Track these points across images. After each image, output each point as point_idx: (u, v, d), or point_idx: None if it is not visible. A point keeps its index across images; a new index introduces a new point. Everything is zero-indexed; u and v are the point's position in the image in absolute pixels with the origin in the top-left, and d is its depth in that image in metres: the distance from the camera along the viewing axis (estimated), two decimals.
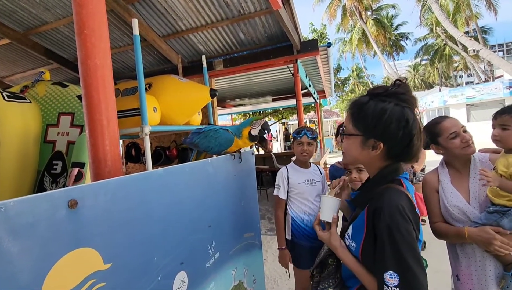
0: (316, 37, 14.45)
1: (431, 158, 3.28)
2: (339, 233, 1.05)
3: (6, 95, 1.96)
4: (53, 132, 2.09)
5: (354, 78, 34.36)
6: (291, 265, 1.99)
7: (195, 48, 4.31)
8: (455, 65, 32.11)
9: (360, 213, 0.94)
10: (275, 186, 2.03)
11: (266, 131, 1.56)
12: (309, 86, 6.42)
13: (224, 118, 13.68)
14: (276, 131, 18.41)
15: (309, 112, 12.47)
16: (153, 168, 2.52)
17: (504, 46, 56.43)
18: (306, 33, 15.50)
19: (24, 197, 0.58)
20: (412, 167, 3.44)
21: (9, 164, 1.90)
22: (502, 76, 21.88)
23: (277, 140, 17.89)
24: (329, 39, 15.35)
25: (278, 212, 1.99)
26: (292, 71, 4.55)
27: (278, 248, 1.98)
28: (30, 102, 2.10)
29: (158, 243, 0.93)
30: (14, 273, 0.55)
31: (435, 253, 2.67)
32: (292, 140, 2.09)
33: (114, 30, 3.84)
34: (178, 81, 3.12)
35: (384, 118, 0.88)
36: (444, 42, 26.96)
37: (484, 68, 25.56)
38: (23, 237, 0.57)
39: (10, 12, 3.32)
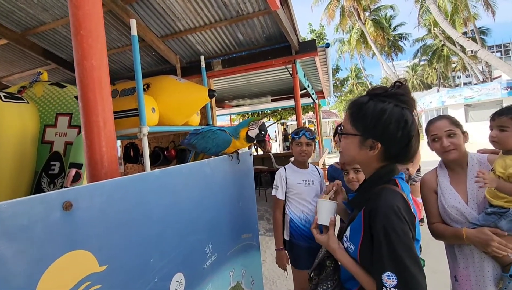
0: (315, 38, 14.46)
1: (426, 159, 3.29)
2: (336, 234, 1.05)
3: (4, 95, 1.95)
4: (51, 133, 2.08)
5: (353, 79, 34.45)
6: (289, 266, 1.99)
7: (193, 48, 4.31)
8: (453, 65, 32.24)
9: (357, 215, 0.94)
10: (274, 186, 2.03)
11: (263, 133, 1.56)
12: (308, 86, 6.42)
13: (223, 119, 13.67)
14: (275, 131, 18.41)
15: (308, 112, 12.50)
16: (151, 168, 2.51)
17: (502, 46, 56.63)
18: (305, 34, 15.53)
19: (17, 199, 0.57)
20: (407, 169, 3.43)
21: (6, 164, 1.89)
22: (500, 76, 21.96)
23: (276, 141, 17.90)
24: (327, 40, 15.34)
25: (276, 212, 1.99)
26: (291, 72, 4.55)
27: (275, 249, 1.97)
28: (28, 102, 2.09)
29: (155, 245, 0.92)
30: (7, 276, 0.55)
31: (433, 254, 2.67)
32: (290, 140, 2.09)
33: (112, 31, 3.83)
34: (176, 81, 3.11)
35: (383, 118, 0.88)
36: (442, 42, 27.08)
37: (482, 68, 25.69)
38: (16, 239, 0.56)
39: (8, 12, 3.31)
